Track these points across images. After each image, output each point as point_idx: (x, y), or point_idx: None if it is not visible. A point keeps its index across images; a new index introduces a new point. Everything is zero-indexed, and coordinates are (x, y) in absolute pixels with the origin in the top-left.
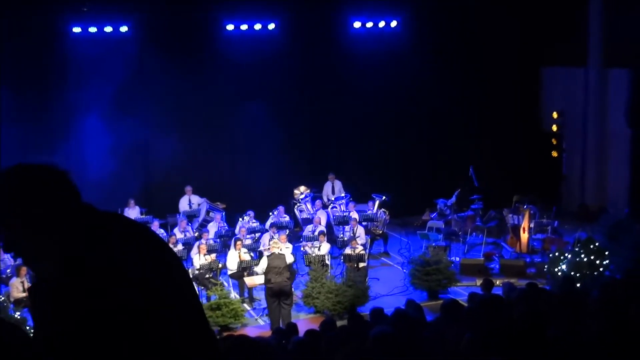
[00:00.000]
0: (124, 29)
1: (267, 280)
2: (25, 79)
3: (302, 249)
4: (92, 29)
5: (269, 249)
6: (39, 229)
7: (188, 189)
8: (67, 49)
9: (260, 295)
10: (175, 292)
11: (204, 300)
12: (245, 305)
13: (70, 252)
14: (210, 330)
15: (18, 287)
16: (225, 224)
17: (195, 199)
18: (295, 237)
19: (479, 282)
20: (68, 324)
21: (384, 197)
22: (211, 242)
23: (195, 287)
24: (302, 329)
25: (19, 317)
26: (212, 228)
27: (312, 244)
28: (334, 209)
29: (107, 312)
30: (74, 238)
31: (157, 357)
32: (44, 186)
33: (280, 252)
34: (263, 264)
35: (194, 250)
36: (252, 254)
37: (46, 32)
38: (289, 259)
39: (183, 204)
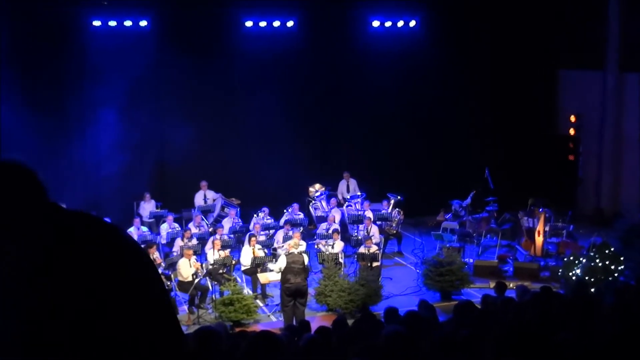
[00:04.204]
0: (143, 23)
1: (285, 280)
2: (43, 71)
3: (315, 246)
4: (112, 23)
5: (282, 246)
6: None
7: (203, 184)
8: (86, 42)
9: (273, 292)
10: (139, 294)
11: (217, 295)
12: (258, 301)
13: (30, 252)
14: (180, 331)
15: None
16: (240, 220)
17: (211, 194)
18: (309, 235)
19: (492, 284)
20: (28, 322)
21: (398, 197)
22: (225, 237)
23: (166, 287)
24: (314, 327)
25: None
26: (227, 224)
27: (326, 241)
28: (349, 207)
29: (66, 311)
30: (35, 237)
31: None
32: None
33: (299, 252)
34: (282, 262)
35: (208, 245)
36: (265, 250)
37: (66, 25)
38: (305, 259)
39: (198, 199)
